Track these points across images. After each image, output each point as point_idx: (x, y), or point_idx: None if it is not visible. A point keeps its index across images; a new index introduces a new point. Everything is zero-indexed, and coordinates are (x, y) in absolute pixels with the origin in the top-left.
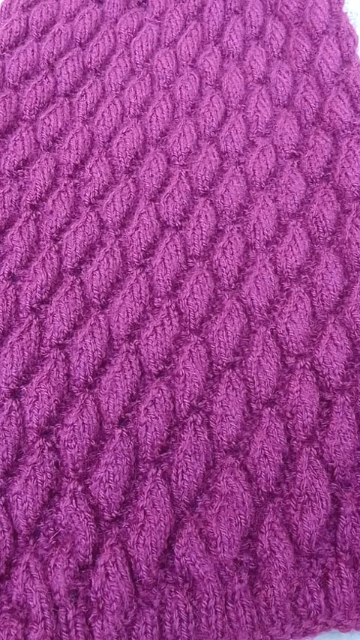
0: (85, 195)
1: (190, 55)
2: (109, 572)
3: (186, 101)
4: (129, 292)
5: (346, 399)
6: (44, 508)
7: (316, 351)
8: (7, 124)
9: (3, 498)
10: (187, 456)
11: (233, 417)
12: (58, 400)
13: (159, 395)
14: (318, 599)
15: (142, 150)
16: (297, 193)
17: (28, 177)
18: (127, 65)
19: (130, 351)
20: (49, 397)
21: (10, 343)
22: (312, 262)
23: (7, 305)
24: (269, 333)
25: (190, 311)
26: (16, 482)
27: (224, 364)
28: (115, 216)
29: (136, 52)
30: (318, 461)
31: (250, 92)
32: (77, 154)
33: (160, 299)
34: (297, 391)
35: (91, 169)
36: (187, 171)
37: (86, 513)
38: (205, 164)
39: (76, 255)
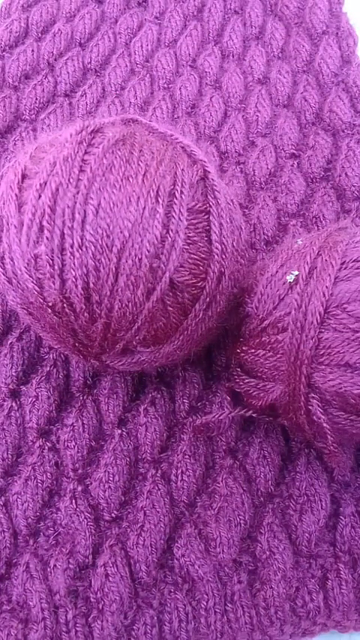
0: None
1: (190, 55)
2: (109, 572)
3: (186, 101)
4: None
5: None
6: (44, 508)
7: None
8: (7, 124)
9: (3, 498)
10: (187, 457)
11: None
12: (58, 400)
13: (158, 395)
14: (317, 599)
15: None
16: (297, 193)
17: None
18: (127, 65)
19: None
20: (48, 397)
21: (10, 343)
22: None
23: (7, 305)
24: None
25: None
26: (16, 482)
27: (223, 365)
28: None
29: (136, 52)
30: (317, 461)
31: (250, 92)
32: None
33: None
34: None
35: None
36: None
37: (86, 513)
38: None
39: None
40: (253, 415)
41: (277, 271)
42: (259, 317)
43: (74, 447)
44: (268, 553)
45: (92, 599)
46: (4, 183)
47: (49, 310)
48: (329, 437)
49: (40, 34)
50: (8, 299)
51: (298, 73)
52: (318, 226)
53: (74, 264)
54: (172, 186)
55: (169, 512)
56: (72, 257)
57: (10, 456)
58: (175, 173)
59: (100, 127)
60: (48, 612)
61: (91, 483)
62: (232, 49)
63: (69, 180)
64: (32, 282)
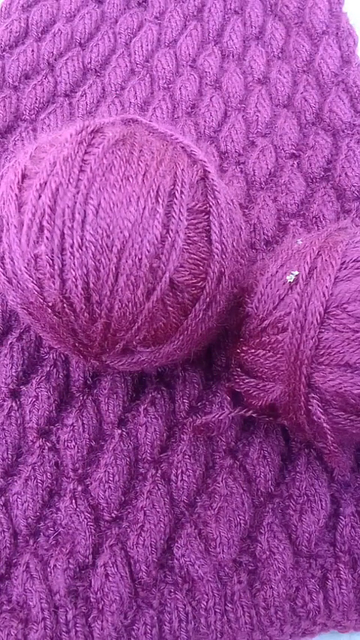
0: None
1: (190, 55)
2: (109, 572)
3: (186, 101)
4: None
5: None
6: (44, 508)
7: None
8: (7, 124)
9: (3, 498)
10: (187, 457)
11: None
12: (58, 400)
13: (158, 395)
14: (317, 599)
15: None
16: (297, 193)
17: None
18: (127, 65)
19: None
20: (48, 397)
21: (10, 343)
22: None
23: (7, 305)
24: None
25: None
26: (16, 482)
27: (223, 365)
28: None
29: (136, 52)
30: (317, 461)
31: (250, 92)
32: None
33: None
34: None
35: None
36: None
37: (86, 513)
38: None
39: None
40: (253, 415)
41: (277, 271)
42: (259, 317)
43: (74, 447)
44: (268, 553)
45: (92, 599)
46: (4, 183)
47: (49, 310)
48: (329, 437)
49: (40, 34)
50: (8, 299)
51: (298, 73)
52: (318, 226)
53: (74, 264)
54: (172, 186)
55: (169, 512)
56: (72, 257)
57: (10, 456)
58: (175, 173)
59: (100, 127)
60: (48, 612)
61: (91, 483)
62: (232, 49)
63: (69, 180)
64: (32, 282)
